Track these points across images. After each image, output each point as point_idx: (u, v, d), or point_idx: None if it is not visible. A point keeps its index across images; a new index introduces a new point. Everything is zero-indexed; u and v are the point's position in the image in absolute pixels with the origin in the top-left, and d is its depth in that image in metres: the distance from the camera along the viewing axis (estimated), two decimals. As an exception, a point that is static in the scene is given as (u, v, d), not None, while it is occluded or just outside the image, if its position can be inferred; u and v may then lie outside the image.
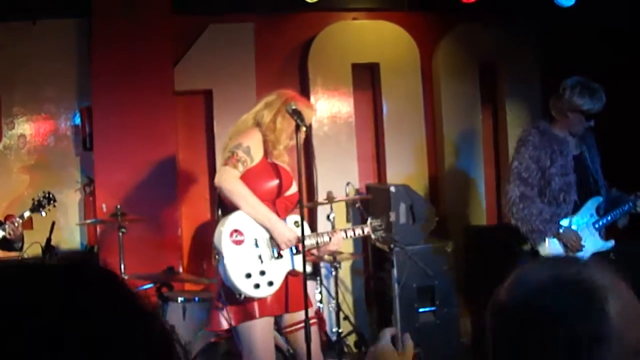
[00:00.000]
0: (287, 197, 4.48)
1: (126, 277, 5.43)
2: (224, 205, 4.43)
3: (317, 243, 4.46)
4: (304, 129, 4.27)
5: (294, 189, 4.51)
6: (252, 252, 4.28)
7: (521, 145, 5.15)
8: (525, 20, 7.40)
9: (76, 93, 6.77)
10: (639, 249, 5.65)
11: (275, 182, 4.38)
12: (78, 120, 6.67)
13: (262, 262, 4.27)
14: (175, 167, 6.68)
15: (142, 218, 5.89)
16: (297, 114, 4.26)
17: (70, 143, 6.81)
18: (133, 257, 5.71)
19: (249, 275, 4.21)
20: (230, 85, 6.84)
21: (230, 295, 4.27)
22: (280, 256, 4.33)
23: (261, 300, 4.26)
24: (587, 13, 7.05)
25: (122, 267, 5.45)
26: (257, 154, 4.35)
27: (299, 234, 4.30)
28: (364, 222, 4.73)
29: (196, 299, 5.40)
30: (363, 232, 4.68)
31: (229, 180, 4.25)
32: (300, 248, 4.32)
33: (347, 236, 4.64)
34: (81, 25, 6.67)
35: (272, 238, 4.31)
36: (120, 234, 5.46)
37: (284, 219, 4.40)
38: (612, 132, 5.28)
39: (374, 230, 4.67)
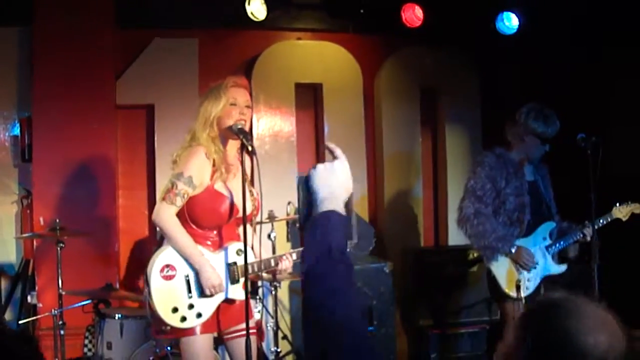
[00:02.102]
0: (238, 219, 4.41)
1: (63, 293, 5.34)
2: (162, 237, 4.42)
3: (257, 269, 4.39)
4: (249, 148, 4.20)
5: (245, 209, 4.46)
6: (182, 287, 4.22)
7: (477, 166, 5.30)
8: (468, 46, 7.54)
9: (16, 103, 6.62)
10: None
11: (224, 207, 4.30)
12: (17, 131, 6.53)
13: (191, 296, 4.23)
14: (114, 182, 6.59)
15: (80, 232, 5.80)
16: (242, 133, 4.22)
17: (8, 154, 6.65)
18: (70, 272, 5.61)
19: (175, 310, 4.18)
20: (172, 101, 6.78)
21: (157, 323, 4.25)
22: (210, 295, 4.29)
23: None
24: (529, 41, 7.24)
25: (60, 282, 5.35)
26: (201, 181, 4.26)
27: (239, 262, 4.28)
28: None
29: (134, 316, 5.33)
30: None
31: (163, 218, 4.21)
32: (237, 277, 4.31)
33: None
34: (23, 34, 6.54)
35: None
36: (59, 248, 5.36)
37: (226, 248, 4.35)
38: (555, 160, 5.44)
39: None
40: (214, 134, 4.33)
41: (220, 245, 4.36)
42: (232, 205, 4.31)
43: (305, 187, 2.17)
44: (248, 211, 4.33)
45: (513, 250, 5.17)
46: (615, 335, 1.63)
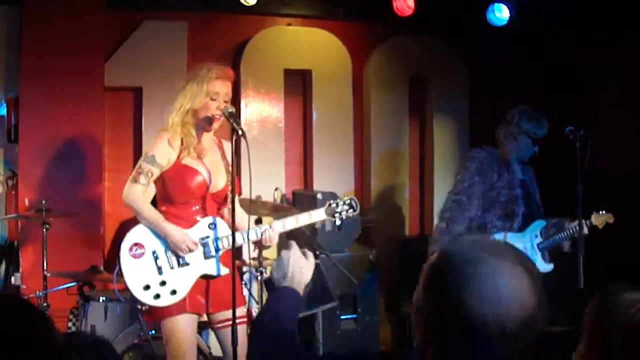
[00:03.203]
0: (214, 194, 4.43)
1: (48, 275, 5.33)
2: None
3: (227, 243, 4.34)
4: (240, 132, 4.20)
5: (219, 185, 4.45)
6: (151, 264, 4.27)
7: (468, 161, 5.41)
8: (458, 36, 7.54)
9: (3, 83, 6.54)
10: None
11: (195, 180, 4.32)
12: (4, 111, 6.47)
13: (161, 273, 4.25)
14: (101, 164, 6.56)
15: (66, 214, 5.78)
16: (232, 117, 4.24)
17: (-6, 134, 6.62)
18: (55, 254, 5.59)
19: (147, 287, 4.21)
20: (160, 84, 6.72)
21: (137, 303, 4.28)
22: (186, 264, 4.29)
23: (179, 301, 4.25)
24: (519, 33, 7.25)
25: (45, 264, 5.33)
26: (165, 159, 4.30)
27: (212, 236, 4.32)
28: None
29: (120, 298, 5.31)
30: (310, 217, 4.54)
31: (129, 194, 4.29)
32: (221, 248, 4.34)
33: (285, 227, 4.48)
34: (12, 12, 6.46)
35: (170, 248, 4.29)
36: (44, 230, 5.34)
37: (198, 222, 4.36)
38: (542, 153, 5.47)
39: (333, 212, 4.52)
40: (188, 120, 4.35)
41: (195, 222, 4.38)
42: (204, 179, 4.34)
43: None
44: (221, 186, 4.36)
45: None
46: (514, 302, 1.58)
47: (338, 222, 4.56)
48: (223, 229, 4.39)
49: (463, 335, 1.57)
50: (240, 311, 4.31)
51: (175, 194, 4.33)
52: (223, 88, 4.38)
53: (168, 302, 4.22)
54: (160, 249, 4.28)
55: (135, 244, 4.25)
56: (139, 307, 4.25)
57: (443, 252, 1.71)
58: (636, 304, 1.82)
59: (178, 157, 4.32)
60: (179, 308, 4.26)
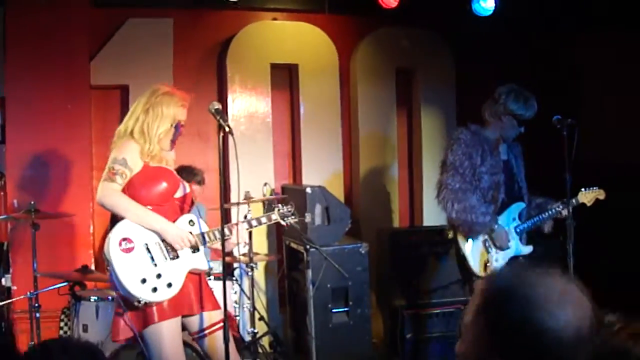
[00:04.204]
0: (178, 199, 4.43)
1: (39, 276, 5.32)
2: (114, 218, 4.40)
3: (214, 237, 4.36)
4: (227, 129, 4.20)
5: (183, 190, 4.47)
6: (144, 257, 4.21)
7: (453, 143, 5.27)
8: (444, 27, 7.55)
9: (-12, 83, 6.56)
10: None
11: (162, 186, 4.32)
12: (-11, 112, 6.48)
13: (156, 265, 4.21)
14: (88, 163, 6.54)
15: (55, 215, 5.76)
16: (219, 114, 4.23)
17: (-20, 135, 6.59)
18: (44, 254, 5.59)
19: (144, 281, 4.15)
20: (147, 81, 6.59)
21: (129, 304, 4.21)
22: (176, 257, 4.29)
23: (159, 305, 4.20)
24: (504, 23, 7.26)
25: (35, 264, 5.32)
26: (136, 163, 4.28)
27: (195, 232, 4.32)
28: (271, 211, 4.71)
29: (109, 297, 5.30)
30: (270, 219, 4.67)
31: (109, 194, 4.21)
32: (207, 241, 4.35)
33: (251, 226, 4.60)
34: (-5, 13, 6.47)
35: (163, 240, 4.27)
36: (34, 230, 5.32)
37: (177, 220, 4.35)
38: (530, 141, 5.48)
39: (283, 216, 4.68)
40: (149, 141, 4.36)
41: (175, 220, 4.38)
42: (169, 184, 4.35)
43: None
44: (183, 194, 4.41)
45: (495, 227, 5.21)
46: (575, 307, 1.64)
47: (283, 224, 4.72)
48: (203, 225, 4.40)
49: (541, 351, 1.61)
50: (220, 314, 4.32)
51: (147, 196, 4.28)
52: (184, 115, 4.45)
53: (165, 297, 4.17)
54: (152, 241, 4.25)
55: (124, 239, 4.20)
56: (136, 303, 4.17)
57: (492, 281, 1.76)
58: (612, 326, 1.91)
59: (145, 163, 4.32)
60: (160, 314, 4.21)
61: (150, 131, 4.30)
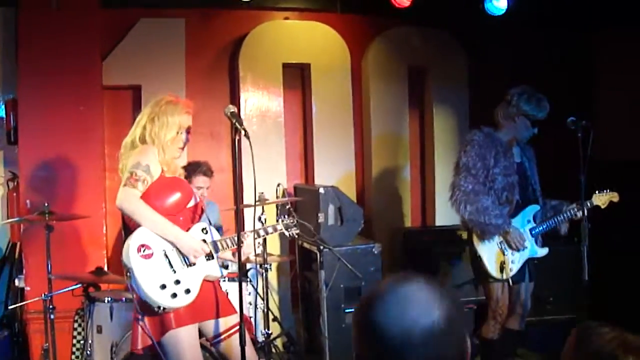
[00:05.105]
0: (190, 209, 4.43)
1: (53, 278, 5.31)
2: (126, 225, 4.39)
3: (226, 245, 4.41)
4: (242, 132, 4.21)
5: (195, 199, 4.48)
6: (163, 263, 4.22)
7: (467, 144, 5.29)
8: (456, 26, 7.52)
9: (1, 85, 6.55)
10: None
11: (177, 196, 4.33)
12: (2, 113, 6.47)
13: (175, 271, 4.22)
14: (101, 163, 6.54)
15: (69, 216, 5.76)
16: (235, 117, 4.23)
17: (-7, 136, 6.60)
18: (58, 255, 5.58)
19: (164, 287, 4.15)
20: (159, 81, 6.72)
21: (148, 310, 4.20)
22: (193, 263, 4.29)
23: (176, 312, 4.20)
24: (517, 22, 7.23)
25: (49, 266, 5.32)
26: (156, 170, 4.29)
27: (208, 240, 4.34)
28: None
29: (123, 299, 5.30)
30: (276, 230, 4.74)
31: (130, 200, 4.19)
32: (220, 249, 4.38)
33: (259, 235, 4.64)
34: (7, 14, 6.46)
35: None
36: (48, 232, 5.32)
37: (190, 229, 4.36)
38: (540, 140, 5.46)
39: (287, 227, 4.77)
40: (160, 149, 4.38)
41: (189, 228, 4.39)
42: (183, 194, 4.36)
43: None
44: (194, 204, 4.41)
45: (510, 229, 5.19)
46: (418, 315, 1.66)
47: (287, 234, 4.84)
48: (214, 233, 4.42)
49: (380, 353, 1.67)
50: (236, 318, 4.32)
51: (164, 205, 4.29)
52: (190, 122, 4.46)
53: (183, 303, 4.18)
54: (169, 248, 4.26)
55: (142, 245, 4.21)
56: (156, 309, 4.16)
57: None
58: (606, 336, 1.99)
59: (163, 171, 4.34)
60: (177, 320, 4.22)
61: (157, 139, 4.32)
